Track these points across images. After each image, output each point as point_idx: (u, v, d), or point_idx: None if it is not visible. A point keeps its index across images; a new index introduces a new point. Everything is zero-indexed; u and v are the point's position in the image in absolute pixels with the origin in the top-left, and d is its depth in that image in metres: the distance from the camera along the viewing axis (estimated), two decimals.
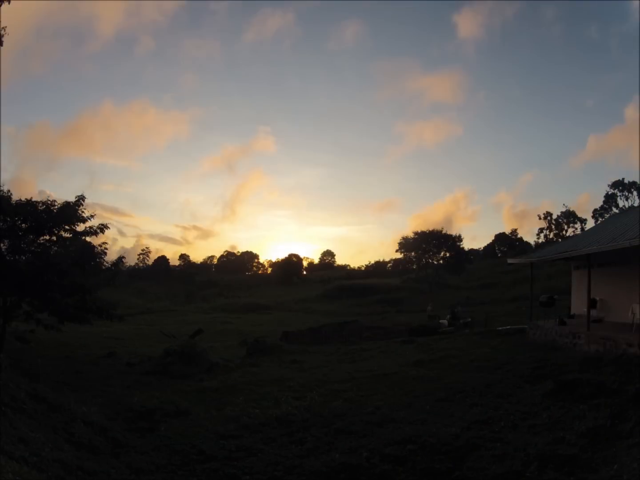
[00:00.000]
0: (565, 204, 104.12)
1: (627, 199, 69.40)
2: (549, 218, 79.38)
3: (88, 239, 14.82)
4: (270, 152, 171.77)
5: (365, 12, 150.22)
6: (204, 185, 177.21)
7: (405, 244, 74.50)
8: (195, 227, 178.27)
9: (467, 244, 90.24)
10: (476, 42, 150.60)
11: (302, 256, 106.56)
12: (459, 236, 74.19)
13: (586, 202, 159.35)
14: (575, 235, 58.59)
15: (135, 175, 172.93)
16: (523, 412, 8.51)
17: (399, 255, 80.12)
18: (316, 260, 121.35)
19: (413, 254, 74.88)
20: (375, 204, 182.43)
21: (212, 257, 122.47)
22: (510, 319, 26.05)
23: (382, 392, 10.91)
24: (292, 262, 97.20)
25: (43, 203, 13.90)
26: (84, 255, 14.64)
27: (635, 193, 68.75)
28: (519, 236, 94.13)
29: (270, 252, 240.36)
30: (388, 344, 20.19)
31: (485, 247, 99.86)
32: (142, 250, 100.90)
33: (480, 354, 14.52)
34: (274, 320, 43.80)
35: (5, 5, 10.59)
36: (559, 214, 79.07)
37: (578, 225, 76.28)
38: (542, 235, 79.50)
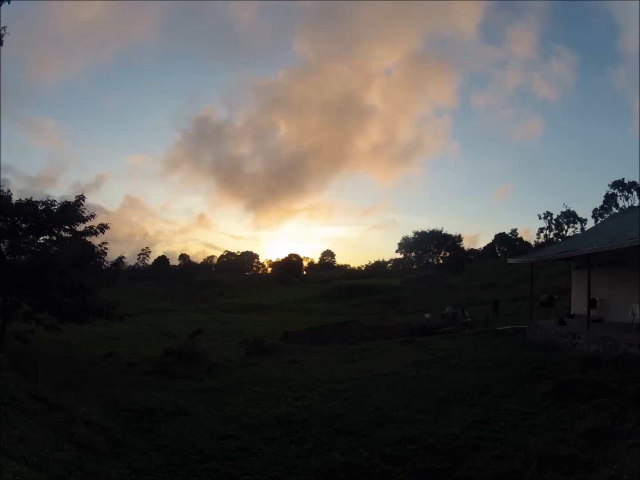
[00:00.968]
0: (565, 204, 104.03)
1: (627, 199, 69.46)
2: (549, 218, 79.41)
3: (88, 239, 14.82)
4: None
5: None
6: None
7: (405, 244, 74.51)
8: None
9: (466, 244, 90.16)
10: None
11: (302, 256, 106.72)
12: (459, 236, 74.24)
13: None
14: (575, 235, 58.56)
15: None
16: (523, 412, 8.52)
17: (399, 255, 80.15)
18: (316, 260, 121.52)
19: (413, 254, 74.89)
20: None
21: (212, 257, 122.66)
22: (510, 319, 26.06)
23: (382, 392, 10.91)
24: (292, 262, 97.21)
25: (43, 203, 13.89)
26: (84, 255, 14.63)
27: (635, 193, 68.77)
28: (519, 236, 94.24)
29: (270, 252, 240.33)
30: (388, 344, 20.19)
31: (485, 247, 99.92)
32: (142, 250, 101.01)
33: (480, 354, 14.52)
34: (274, 320, 43.81)
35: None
36: (559, 214, 79.15)
37: (578, 225, 76.34)
38: (542, 235, 79.56)
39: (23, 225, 13.65)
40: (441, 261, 73.13)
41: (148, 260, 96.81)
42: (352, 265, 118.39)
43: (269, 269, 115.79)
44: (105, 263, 15.86)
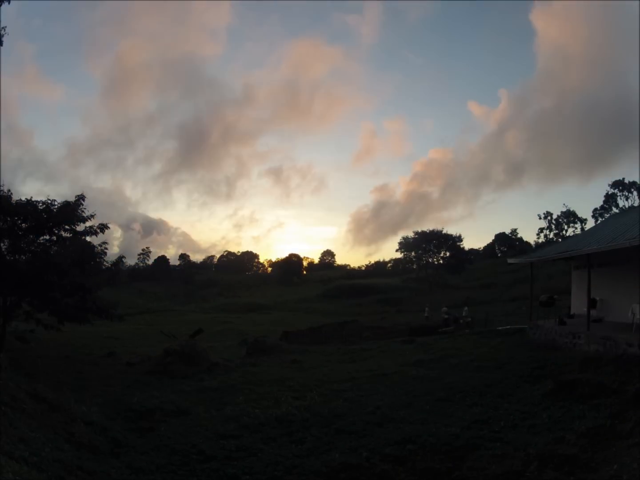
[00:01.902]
0: (565, 204, 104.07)
1: (627, 199, 69.48)
2: (549, 218, 79.41)
3: (88, 238, 14.82)
4: None
5: None
6: None
7: (405, 244, 74.53)
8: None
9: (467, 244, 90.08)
10: None
11: (302, 256, 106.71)
12: (459, 236, 74.28)
13: None
14: (575, 235, 58.55)
15: None
16: (523, 412, 8.51)
17: (399, 255, 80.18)
18: (316, 260, 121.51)
19: (413, 253, 74.91)
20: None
21: (212, 257, 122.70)
22: (510, 319, 26.06)
23: (382, 392, 10.90)
24: (292, 262, 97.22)
25: (43, 203, 13.88)
26: (84, 255, 14.63)
27: (635, 193, 68.79)
28: (519, 236, 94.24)
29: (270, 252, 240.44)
30: (388, 344, 20.19)
31: (485, 247, 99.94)
32: (142, 250, 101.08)
33: (480, 354, 14.52)
34: (274, 320, 43.87)
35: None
36: (559, 213, 79.14)
37: (578, 225, 76.34)
38: (542, 235, 79.55)
39: (23, 225, 13.65)
40: (441, 261, 73.14)
41: (148, 260, 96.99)
42: (352, 265, 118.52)
43: (269, 269, 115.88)
44: (105, 263, 15.86)
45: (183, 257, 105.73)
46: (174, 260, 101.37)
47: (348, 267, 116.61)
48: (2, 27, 11.60)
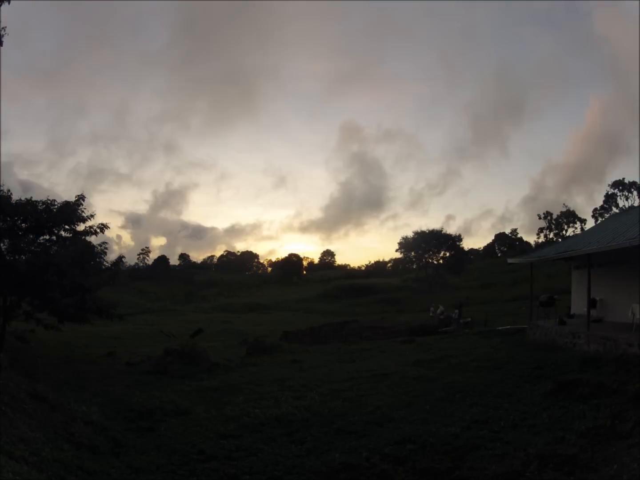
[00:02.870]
0: (565, 204, 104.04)
1: (627, 199, 69.53)
2: (549, 218, 79.43)
3: (88, 238, 14.82)
4: None
5: None
6: None
7: (405, 244, 74.53)
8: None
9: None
10: None
11: (302, 256, 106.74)
12: (459, 236, 74.29)
13: None
14: (575, 235, 58.60)
15: None
16: (523, 412, 8.50)
17: (399, 255, 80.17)
18: (316, 260, 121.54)
19: (413, 253, 74.92)
20: None
21: (212, 256, 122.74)
22: (510, 319, 26.06)
23: (382, 392, 10.90)
24: (292, 262, 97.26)
25: (43, 202, 13.87)
26: (84, 255, 14.63)
27: (635, 193, 68.84)
28: (519, 236, 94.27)
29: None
30: (388, 344, 20.22)
31: (485, 247, 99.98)
32: (142, 249, 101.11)
33: (480, 354, 14.52)
34: (274, 320, 43.88)
35: None
36: (559, 213, 79.15)
37: (578, 225, 76.36)
38: (542, 235, 79.57)
39: (23, 225, 13.64)
40: (441, 261, 73.15)
41: (148, 260, 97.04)
42: (352, 265, 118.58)
43: (269, 269, 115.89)
44: (105, 263, 15.87)
45: (183, 256, 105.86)
46: (173, 260, 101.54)
47: (348, 267, 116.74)
48: (2, 27, 11.59)
